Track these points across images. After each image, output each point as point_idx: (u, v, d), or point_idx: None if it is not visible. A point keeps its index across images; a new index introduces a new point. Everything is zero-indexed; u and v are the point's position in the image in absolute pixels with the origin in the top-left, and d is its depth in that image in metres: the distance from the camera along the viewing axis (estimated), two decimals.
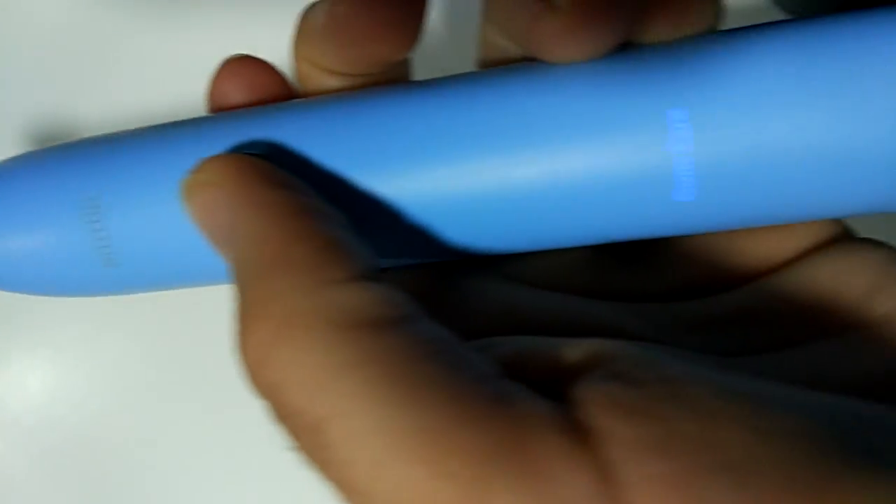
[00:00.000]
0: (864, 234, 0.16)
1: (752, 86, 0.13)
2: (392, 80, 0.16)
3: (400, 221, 0.14)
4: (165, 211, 0.14)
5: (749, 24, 0.15)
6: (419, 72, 0.17)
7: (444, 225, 0.14)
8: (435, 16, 0.26)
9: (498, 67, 0.15)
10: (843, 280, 0.15)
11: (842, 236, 0.16)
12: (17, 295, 0.17)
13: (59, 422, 0.29)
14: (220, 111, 0.16)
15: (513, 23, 0.15)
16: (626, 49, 0.14)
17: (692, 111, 0.13)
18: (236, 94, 0.16)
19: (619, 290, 0.16)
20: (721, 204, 0.14)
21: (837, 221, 0.16)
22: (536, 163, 0.14)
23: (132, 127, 0.16)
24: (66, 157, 0.16)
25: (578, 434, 0.10)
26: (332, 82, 0.16)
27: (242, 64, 0.16)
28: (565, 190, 0.14)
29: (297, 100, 0.16)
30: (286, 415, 0.11)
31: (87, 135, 0.16)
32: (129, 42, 0.29)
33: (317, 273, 0.11)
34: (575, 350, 0.12)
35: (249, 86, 0.16)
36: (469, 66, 0.17)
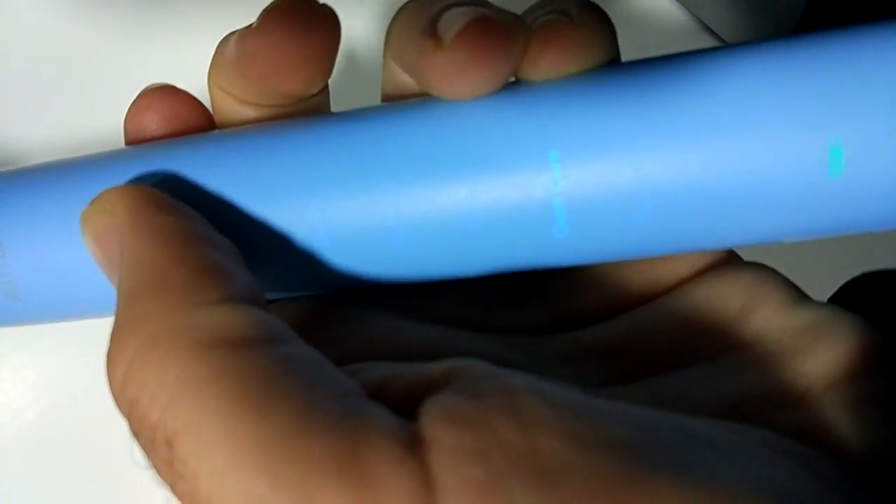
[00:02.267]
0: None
1: (606, 126, 0.14)
2: (308, 110, 0.17)
3: (291, 252, 0.15)
4: (66, 244, 0.15)
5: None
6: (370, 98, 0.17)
7: (331, 257, 0.15)
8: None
9: (398, 101, 0.16)
10: (716, 304, 0.16)
11: (722, 261, 0.17)
12: None
13: (55, 416, 0.29)
14: (137, 142, 0.17)
15: (406, 58, 0.15)
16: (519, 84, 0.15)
17: (563, 151, 0.14)
18: (153, 125, 0.16)
19: (507, 324, 0.16)
20: (593, 239, 0.15)
21: None
22: (423, 197, 0.14)
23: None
24: None
25: (412, 444, 0.11)
26: (248, 112, 0.16)
27: (159, 95, 0.16)
28: (451, 224, 0.14)
29: (209, 132, 0.16)
30: (142, 430, 0.11)
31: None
32: (95, 59, 0.29)
33: (188, 295, 0.12)
34: (433, 369, 0.12)
35: (167, 117, 0.16)
36: None
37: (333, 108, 0.17)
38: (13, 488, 0.29)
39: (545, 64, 0.15)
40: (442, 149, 0.14)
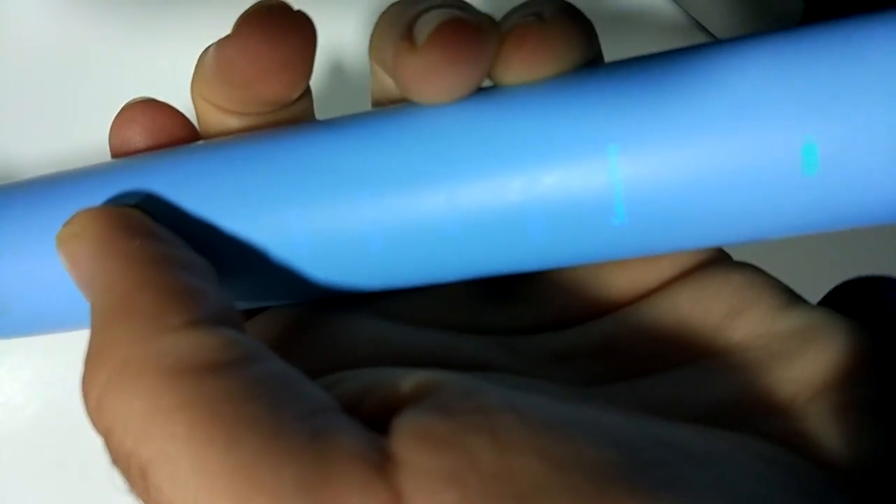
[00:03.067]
0: None
1: (579, 130, 0.14)
2: (291, 117, 0.17)
3: (272, 262, 0.15)
4: (53, 258, 0.15)
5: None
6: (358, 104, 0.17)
7: (312, 266, 0.15)
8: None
9: (382, 107, 0.16)
10: (703, 306, 0.15)
11: (710, 261, 0.16)
12: None
13: (51, 415, 0.29)
14: (122, 155, 0.17)
15: (385, 61, 0.15)
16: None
17: (537, 156, 0.14)
18: (137, 138, 0.17)
19: (491, 324, 0.16)
20: (570, 242, 0.15)
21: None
22: (401, 204, 0.14)
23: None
24: None
25: (383, 465, 0.11)
26: (231, 122, 0.16)
27: (142, 108, 0.17)
28: (429, 230, 0.14)
29: (191, 144, 0.16)
30: (118, 458, 0.12)
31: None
32: (92, 68, 0.29)
33: (156, 320, 0.12)
34: (408, 382, 0.12)
35: (150, 130, 0.17)
36: None
37: (323, 115, 0.17)
38: (10, 486, 0.29)
39: (518, 66, 0.15)
40: (419, 155, 0.14)
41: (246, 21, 0.15)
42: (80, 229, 0.14)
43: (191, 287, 0.13)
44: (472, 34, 0.14)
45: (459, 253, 0.15)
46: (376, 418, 0.12)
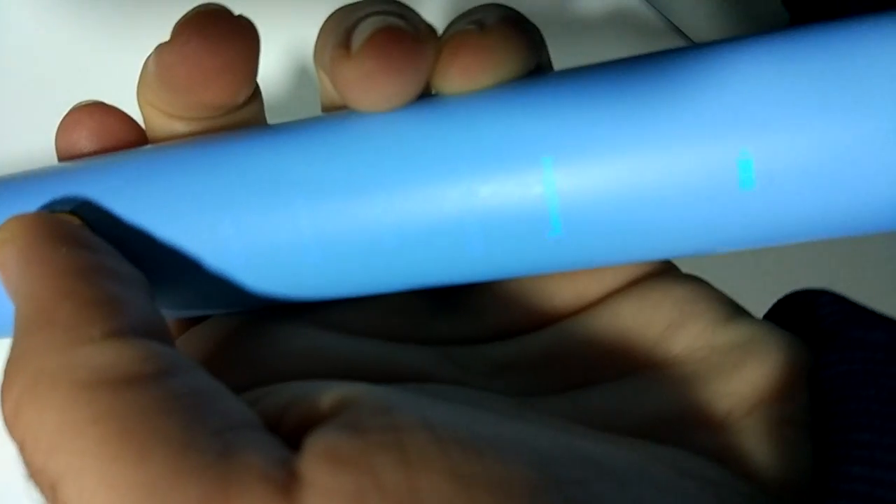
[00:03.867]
0: None
1: (517, 141, 0.14)
2: (240, 122, 0.16)
3: (207, 271, 0.15)
4: None
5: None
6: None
7: (247, 275, 0.15)
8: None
9: (326, 114, 0.16)
10: (644, 318, 0.15)
11: (654, 273, 0.16)
12: None
13: None
14: (69, 159, 0.16)
15: (325, 68, 0.15)
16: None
17: (476, 166, 0.14)
18: (84, 142, 0.16)
19: (434, 335, 0.16)
20: (508, 254, 0.14)
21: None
22: (338, 213, 0.14)
23: None
24: None
25: (289, 485, 0.10)
26: (177, 127, 0.16)
27: (88, 111, 0.16)
28: (366, 239, 0.14)
29: (132, 150, 0.16)
30: (31, 473, 0.11)
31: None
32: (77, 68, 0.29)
33: (74, 331, 0.12)
34: (326, 398, 0.12)
35: (97, 133, 0.16)
36: None
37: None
38: (9, 488, 0.29)
39: (455, 75, 0.14)
40: (355, 164, 0.14)
41: (184, 26, 0.15)
42: (10, 236, 0.13)
43: (114, 297, 0.12)
44: (408, 42, 0.14)
45: (397, 264, 0.15)
46: (295, 435, 0.12)
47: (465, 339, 0.16)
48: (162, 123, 0.16)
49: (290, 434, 0.12)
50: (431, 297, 0.17)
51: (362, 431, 0.11)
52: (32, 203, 0.15)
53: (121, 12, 0.30)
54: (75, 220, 0.14)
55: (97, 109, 0.17)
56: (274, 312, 0.16)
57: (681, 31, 0.30)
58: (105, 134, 0.16)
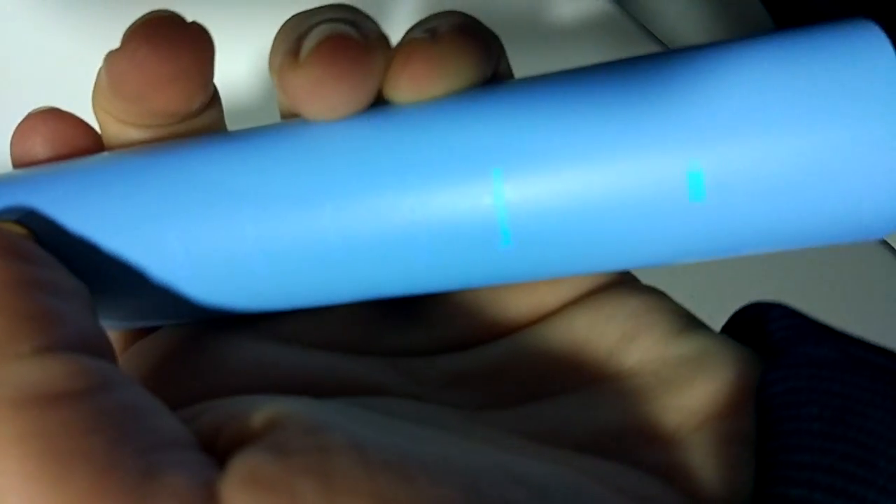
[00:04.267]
0: None
1: (461, 154, 0.14)
2: (198, 129, 0.16)
3: (153, 282, 0.15)
4: None
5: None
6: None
7: (194, 286, 0.15)
8: None
9: (278, 123, 0.15)
10: (597, 330, 0.15)
11: (611, 284, 0.16)
12: None
13: None
14: (23, 166, 0.16)
15: (274, 76, 0.15)
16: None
17: (418, 178, 0.14)
18: (38, 149, 0.16)
19: (386, 346, 0.16)
20: (456, 267, 0.14)
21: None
22: (284, 223, 0.14)
23: None
24: None
25: None
26: (132, 134, 0.16)
27: (43, 118, 0.16)
28: (313, 250, 0.14)
29: (80, 158, 0.16)
30: None
31: None
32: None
33: (2, 347, 0.11)
34: (258, 416, 0.12)
35: (52, 140, 0.16)
36: None
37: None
38: None
39: (405, 84, 0.14)
40: (302, 173, 0.14)
41: (134, 34, 0.15)
42: None
43: (48, 311, 0.12)
44: (356, 50, 0.14)
45: (346, 274, 0.15)
46: (227, 454, 0.11)
47: (419, 350, 0.16)
48: (117, 130, 0.16)
49: (224, 453, 0.11)
50: (385, 307, 0.17)
51: (286, 453, 0.11)
52: None
53: (107, 12, 0.30)
54: (19, 230, 0.14)
55: (52, 116, 0.16)
56: (223, 324, 0.16)
57: (657, 38, 0.30)
58: (60, 140, 0.16)
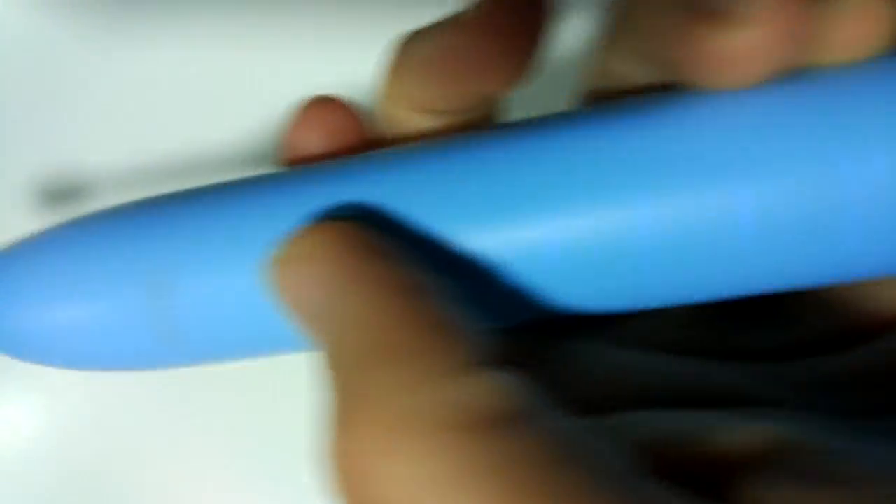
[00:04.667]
0: None
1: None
2: (484, 118, 0.15)
3: (519, 280, 0.13)
4: (237, 284, 0.13)
5: None
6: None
7: (573, 282, 0.13)
8: None
9: (611, 103, 0.14)
10: None
11: None
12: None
13: (52, 466, 0.28)
14: (294, 163, 0.15)
15: (660, 43, 0.13)
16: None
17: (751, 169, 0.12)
18: (317, 142, 0.14)
19: (735, 347, 0.14)
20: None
21: None
22: (657, 211, 0.12)
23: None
24: (125, 224, 0.14)
25: None
26: (422, 122, 0.14)
27: (323, 108, 0.15)
28: (687, 239, 0.12)
29: (382, 150, 0.14)
30: None
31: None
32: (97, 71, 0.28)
33: (425, 364, 0.10)
34: (734, 439, 0.10)
35: (328, 133, 0.14)
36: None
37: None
38: None
39: (851, 42, 0.12)
40: (716, 148, 0.12)
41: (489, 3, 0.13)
42: (310, 250, 0.11)
43: (453, 319, 0.11)
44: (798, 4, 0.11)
45: (721, 268, 0.13)
46: (688, 478, 0.10)
47: (772, 352, 0.14)
48: (404, 119, 0.14)
49: (678, 477, 0.10)
50: (724, 306, 0.15)
51: (820, 486, 0.09)
52: (298, 214, 0.13)
53: (102, 8, 0.28)
54: (372, 230, 0.12)
55: (330, 105, 0.15)
56: (558, 328, 0.14)
57: None
58: (336, 133, 0.14)
